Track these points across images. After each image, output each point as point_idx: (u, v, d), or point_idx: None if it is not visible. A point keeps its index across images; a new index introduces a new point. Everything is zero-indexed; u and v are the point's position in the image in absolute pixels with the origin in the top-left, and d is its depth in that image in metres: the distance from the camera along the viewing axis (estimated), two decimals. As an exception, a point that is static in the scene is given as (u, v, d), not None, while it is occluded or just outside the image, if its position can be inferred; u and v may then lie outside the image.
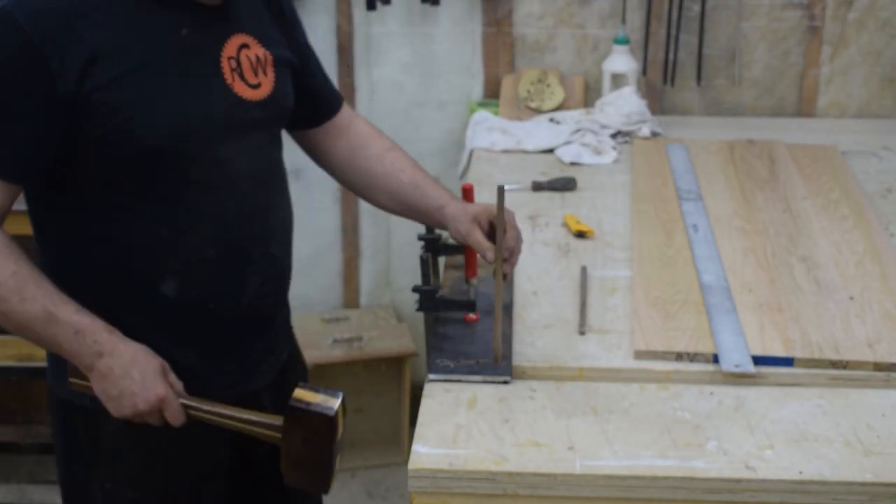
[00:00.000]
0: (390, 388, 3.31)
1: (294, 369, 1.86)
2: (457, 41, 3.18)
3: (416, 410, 1.62)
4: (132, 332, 1.55)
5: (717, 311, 1.85)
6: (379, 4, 3.11)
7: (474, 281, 1.78)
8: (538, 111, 2.99)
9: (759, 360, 1.70)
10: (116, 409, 1.52)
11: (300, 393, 1.50)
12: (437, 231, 1.87)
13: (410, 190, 1.78)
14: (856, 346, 1.74)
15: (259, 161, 1.65)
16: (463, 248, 1.78)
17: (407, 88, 3.24)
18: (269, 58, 1.64)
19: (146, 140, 1.49)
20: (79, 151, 1.49)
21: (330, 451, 1.50)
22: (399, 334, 3.28)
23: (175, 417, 1.53)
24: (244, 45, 1.60)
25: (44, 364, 2.81)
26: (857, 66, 3.13)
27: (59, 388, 1.66)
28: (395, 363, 3.26)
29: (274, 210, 1.69)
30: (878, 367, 1.69)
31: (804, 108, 3.16)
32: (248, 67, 1.60)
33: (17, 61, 1.44)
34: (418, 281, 1.76)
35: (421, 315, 1.78)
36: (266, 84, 1.63)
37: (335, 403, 1.49)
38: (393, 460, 3.29)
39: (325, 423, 1.48)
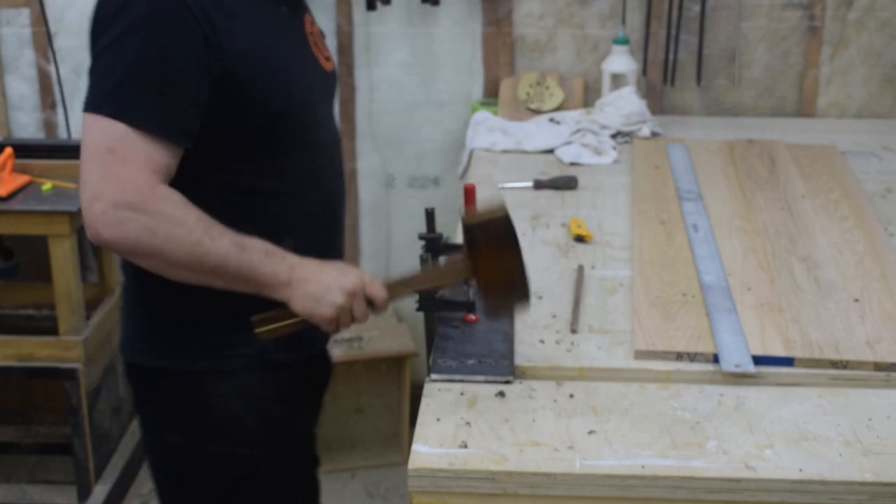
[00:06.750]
0: (390, 388, 3.31)
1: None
2: (457, 41, 3.18)
3: (416, 410, 1.62)
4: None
5: (718, 310, 1.85)
6: (379, 4, 3.11)
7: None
8: (538, 112, 2.99)
9: (759, 360, 1.70)
10: (326, 306, 1.55)
11: (468, 217, 1.53)
12: (438, 231, 1.87)
13: None
14: (856, 346, 1.74)
15: (334, 127, 1.81)
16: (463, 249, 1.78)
17: (407, 88, 3.24)
18: (323, 35, 1.82)
19: (276, 106, 1.61)
20: (213, 116, 1.56)
21: (519, 255, 1.51)
22: (399, 334, 3.28)
23: (378, 292, 1.57)
24: (312, 22, 1.77)
25: (44, 364, 2.84)
26: (857, 66, 3.13)
27: (150, 357, 1.74)
28: (395, 363, 3.26)
29: (343, 174, 1.83)
30: (878, 367, 1.70)
31: (804, 108, 3.17)
32: (319, 42, 1.77)
33: (174, 21, 1.50)
34: (418, 281, 1.76)
35: (421, 315, 1.78)
36: (331, 57, 1.80)
37: (502, 206, 1.51)
38: (393, 460, 3.29)
39: (504, 223, 1.50)
